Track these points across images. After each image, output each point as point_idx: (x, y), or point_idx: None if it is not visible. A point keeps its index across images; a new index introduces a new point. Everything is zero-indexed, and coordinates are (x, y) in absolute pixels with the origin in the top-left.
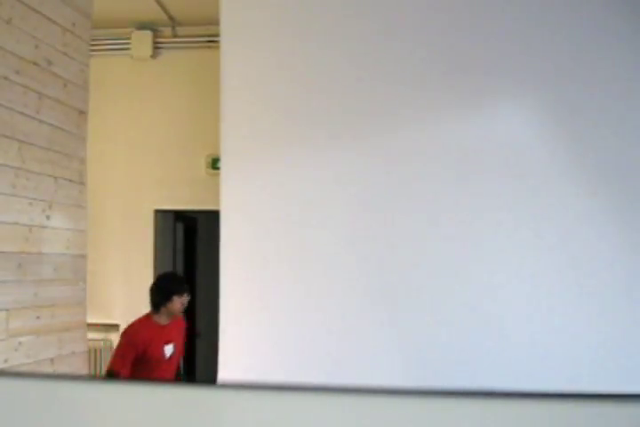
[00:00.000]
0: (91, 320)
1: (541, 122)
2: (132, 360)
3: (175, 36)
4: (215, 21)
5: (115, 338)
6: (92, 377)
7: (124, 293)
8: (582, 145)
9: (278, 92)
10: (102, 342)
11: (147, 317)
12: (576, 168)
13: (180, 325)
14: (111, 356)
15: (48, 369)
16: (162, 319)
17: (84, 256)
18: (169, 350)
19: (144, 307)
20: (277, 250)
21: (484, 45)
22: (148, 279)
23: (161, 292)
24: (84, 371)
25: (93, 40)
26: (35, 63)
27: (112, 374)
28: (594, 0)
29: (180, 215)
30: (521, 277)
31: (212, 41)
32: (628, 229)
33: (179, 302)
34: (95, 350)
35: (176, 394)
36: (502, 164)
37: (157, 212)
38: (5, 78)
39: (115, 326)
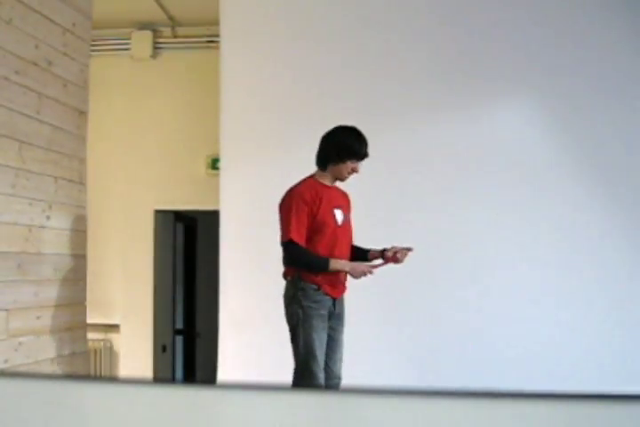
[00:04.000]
0: (91, 320)
1: (542, 121)
2: (308, 228)
3: (175, 36)
4: (215, 21)
5: (115, 338)
6: (93, 377)
7: (124, 293)
8: (583, 143)
9: (278, 93)
10: (102, 342)
11: (309, 177)
12: (577, 166)
13: (343, 194)
14: (281, 228)
15: (48, 369)
16: (326, 179)
17: (84, 256)
18: (339, 214)
19: (144, 307)
20: (278, 250)
21: (485, 46)
22: (149, 279)
23: (337, 148)
24: (85, 371)
25: (93, 40)
26: (35, 63)
27: (291, 247)
28: (594, 0)
29: (179, 215)
30: (525, 276)
31: (212, 41)
32: (631, 228)
33: (350, 168)
34: (95, 351)
35: (176, 394)
36: (503, 162)
37: (157, 212)
38: (5, 78)
39: (115, 326)
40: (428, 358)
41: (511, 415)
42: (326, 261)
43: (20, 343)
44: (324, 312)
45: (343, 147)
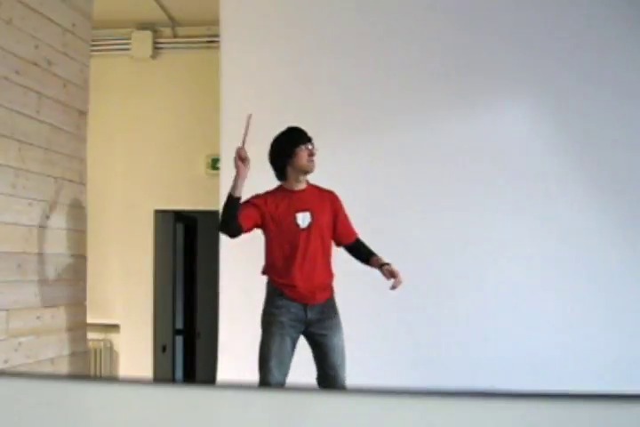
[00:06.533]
0: (91, 320)
1: (543, 120)
2: (253, 223)
3: (175, 36)
4: (215, 21)
5: (115, 338)
6: (93, 377)
7: (124, 293)
8: (583, 143)
9: (278, 93)
10: (102, 342)
11: (278, 186)
12: (578, 166)
13: (319, 194)
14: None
15: (48, 369)
16: (293, 184)
17: (84, 256)
18: (304, 218)
19: (144, 307)
20: None
21: (484, 46)
22: (149, 279)
23: (279, 148)
24: (85, 371)
25: (93, 40)
26: (35, 63)
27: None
28: (595, 0)
29: (179, 215)
30: (526, 276)
31: (212, 41)
32: (632, 228)
33: (305, 154)
34: (95, 351)
35: (176, 394)
36: (502, 162)
37: (157, 212)
38: (5, 78)
39: (115, 326)
40: (429, 359)
41: (511, 415)
42: (233, 198)
43: (19, 343)
44: (285, 319)
45: (283, 143)
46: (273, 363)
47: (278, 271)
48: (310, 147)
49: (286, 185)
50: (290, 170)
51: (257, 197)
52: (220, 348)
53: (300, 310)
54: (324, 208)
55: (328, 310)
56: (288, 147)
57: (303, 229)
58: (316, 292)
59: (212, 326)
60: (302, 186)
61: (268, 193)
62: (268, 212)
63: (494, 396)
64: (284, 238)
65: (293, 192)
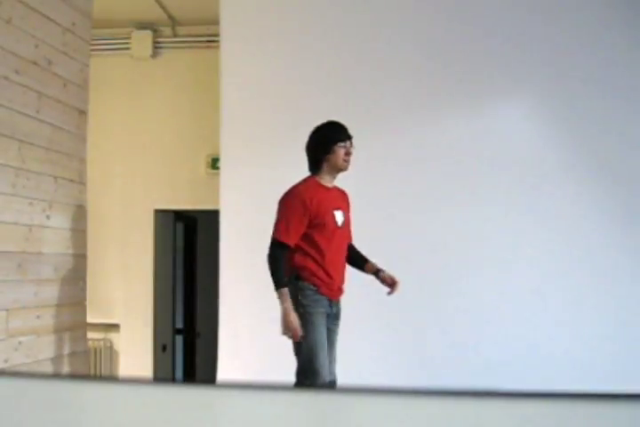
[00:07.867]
0: (91, 320)
1: (543, 120)
2: (303, 229)
3: (175, 36)
4: (215, 21)
5: (115, 337)
6: (93, 377)
7: (124, 293)
8: (584, 142)
9: (278, 92)
10: (102, 342)
11: (309, 178)
12: (576, 165)
13: (342, 194)
14: (275, 224)
15: (48, 369)
16: (325, 180)
17: (83, 256)
18: (339, 216)
19: (144, 307)
20: None
21: (485, 45)
22: (149, 279)
23: (319, 142)
24: (84, 371)
25: (93, 40)
26: (35, 63)
27: (274, 246)
28: (596, 0)
29: (179, 215)
30: (526, 275)
31: (211, 41)
32: (632, 226)
33: (342, 152)
34: (95, 350)
35: (176, 394)
36: (502, 162)
37: (157, 212)
38: (5, 78)
39: (115, 326)
40: (429, 360)
41: (511, 415)
42: (282, 284)
43: (19, 343)
44: (324, 310)
45: (324, 139)
46: (322, 356)
47: (316, 269)
48: (348, 145)
49: (321, 180)
50: (325, 165)
51: (301, 192)
52: (219, 348)
53: (328, 306)
54: (347, 207)
55: (340, 305)
56: (327, 143)
57: (339, 228)
58: (340, 287)
59: (212, 326)
60: (334, 183)
61: (310, 184)
62: (313, 210)
63: (494, 396)
64: (324, 235)
65: (328, 189)
